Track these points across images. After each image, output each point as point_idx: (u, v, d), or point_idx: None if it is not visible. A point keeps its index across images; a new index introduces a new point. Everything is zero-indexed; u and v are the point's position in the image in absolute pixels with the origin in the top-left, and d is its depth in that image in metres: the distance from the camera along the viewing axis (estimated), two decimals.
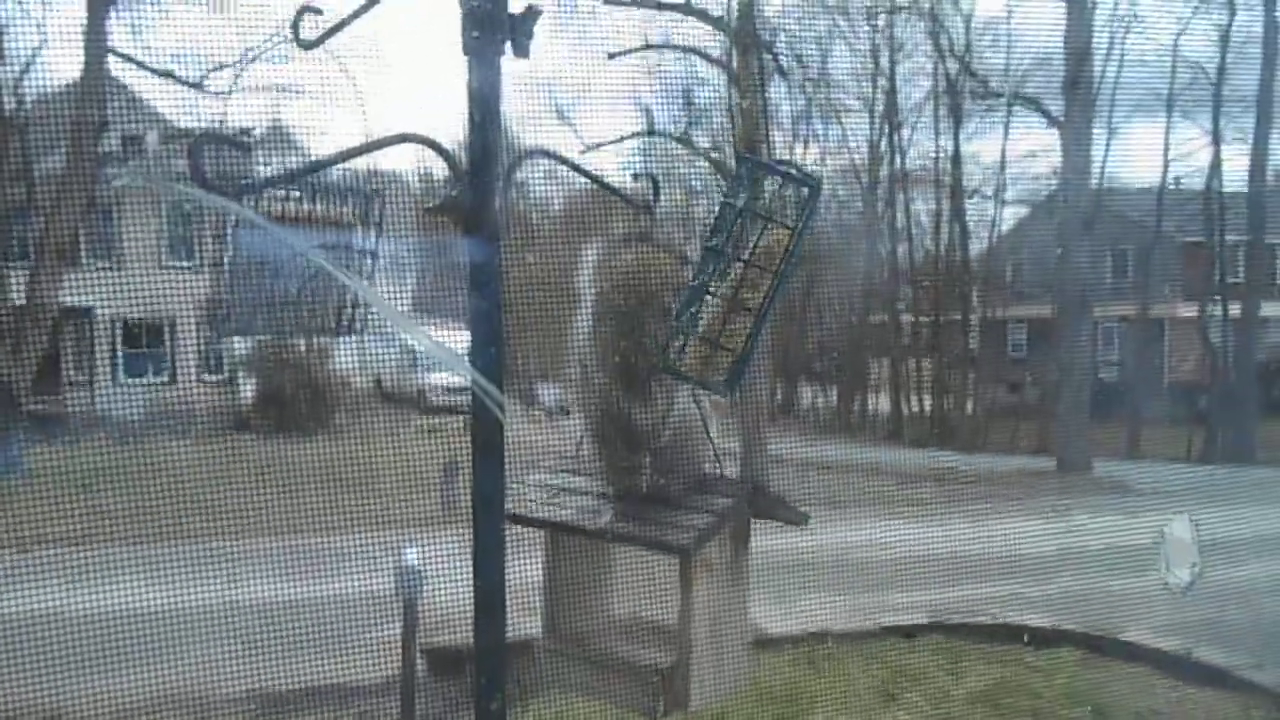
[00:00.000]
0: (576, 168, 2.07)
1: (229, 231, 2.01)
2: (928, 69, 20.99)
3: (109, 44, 14.39)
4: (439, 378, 21.82)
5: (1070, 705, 5.63)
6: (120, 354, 18.53)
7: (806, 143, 21.74)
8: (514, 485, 1.96)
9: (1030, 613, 7.27)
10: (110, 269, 15.95)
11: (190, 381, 18.71)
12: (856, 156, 21.99)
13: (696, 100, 16.28)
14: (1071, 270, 18.09)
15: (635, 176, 2.24)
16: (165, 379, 18.68)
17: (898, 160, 21.99)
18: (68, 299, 15.32)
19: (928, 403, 22.64)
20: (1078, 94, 17.91)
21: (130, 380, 18.52)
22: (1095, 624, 6.76)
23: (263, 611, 7.05)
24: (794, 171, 1.96)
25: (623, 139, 14.49)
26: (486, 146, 1.71)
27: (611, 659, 1.80)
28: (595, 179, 2.10)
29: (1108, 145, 19.29)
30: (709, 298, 1.94)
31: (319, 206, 2.05)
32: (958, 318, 22.59)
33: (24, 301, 13.84)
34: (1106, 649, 6.39)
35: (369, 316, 2.14)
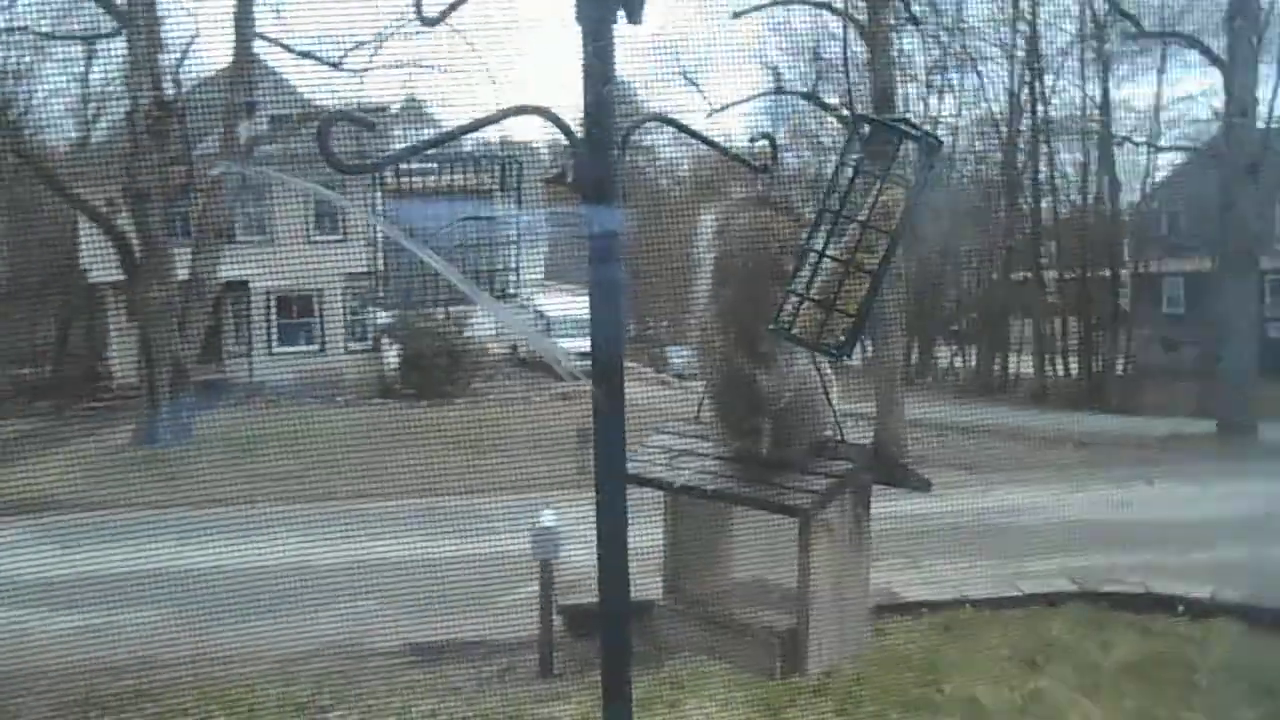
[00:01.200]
0: (691, 131, 2.03)
1: (378, 207, 2.12)
2: (1073, 10, 19.84)
3: (256, 29, 15.05)
4: (571, 344, 22.17)
5: (1229, 680, 5.35)
6: (274, 325, 19.54)
7: (942, 94, 20.94)
8: (637, 448, 2.01)
9: (1184, 582, 6.92)
10: (264, 243, 16.82)
11: (338, 350, 19.57)
12: (996, 106, 21.03)
13: (825, 55, 15.86)
14: (1235, 219, 16.90)
15: (753, 139, 2.20)
16: (316, 348, 19.60)
17: (1040, 109, 20.91)
18: (226, 273, 16.20)
19: (1074, 364, 21.65)
20: (1242, 28, 16.63)
21: (284, 349, 19.54)
22: (1256, 595, 6.39)
23: (408, 569, 7.36)
24: (913, 129, 1.89)
25: (749, 99, 14.27)
26: (600, 114, 1.70)
27: (730, 621, 1.82)
28: (710, 142, 2.05)
29: (1277, 84, 17.87)
30: (824, 260, 1.89)
31: (457, 178, 2.14)
32: (1107, 273, 21.46)
33: (188, 277, 14.72)
34: (1269, 621, 6.02)
35: (516, 283, 2.22)
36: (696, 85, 13.93)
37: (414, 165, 2.10)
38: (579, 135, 1.75)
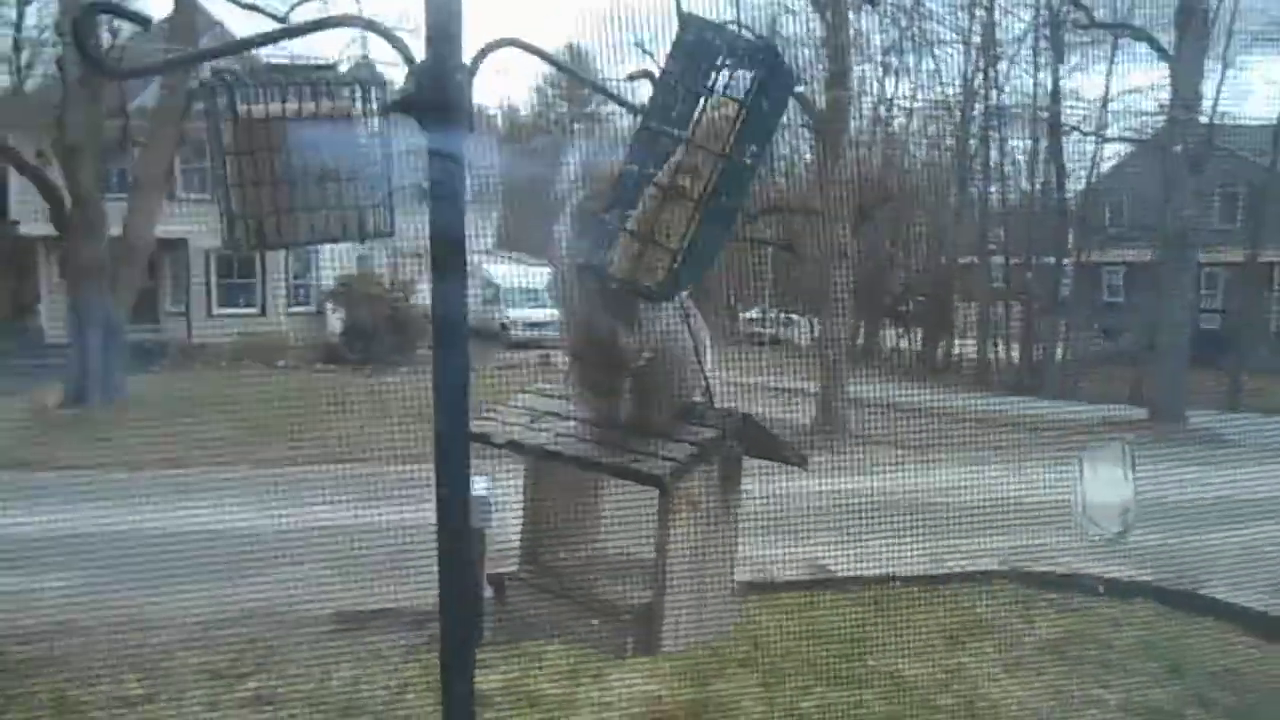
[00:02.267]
0: (552, 60, 1.84)
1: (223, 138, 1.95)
2: None
3: None
4: (520, 313, 21.98)
5: (1143, 659, 5.48)
6: (214, 285, 19.12)
7: (898, 76, 21.01)
8: (500, 409, 1.90)
9: (1107, 564, 7.08)
10: (205, 200, 16.43)
11: (279, 314, 19.23)
12: (950, 90, 21.18)
13: (781, 31, 15.79)
14: (1175, 211, 17.23)
15: (631, 76, 2.04)
16: (256, 310, 19.23)
17: (993, 95, 21.09)
18: (163, 230, 15.78)
19: (1016, 348, 22.00)
20: (1191, 24, 16.88)
21: (223, 311, 19.13)
22: (1174, 578, 6.55)
23: (340, 535, 7.25)
24: (746, 34, 1.66)
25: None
26: (443, 35, 1.57)
27: (583, 595, 1.73)
28: (570, 71, 1.85)
29: (1221, 79, 18.20)
30: (647, 188, 1.63)
31: (315, 103, 1.96)
32: (1051, 260, 21.79)
33: (121, 233, 14.31)
34: (1184, 604, 6.18)
35: (390, 221, 2.05)
36: (652, 55, 13.77)
37: (265, 91, 1.96)
38: (419, 59, 1.59)
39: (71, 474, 9.61)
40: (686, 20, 1.65)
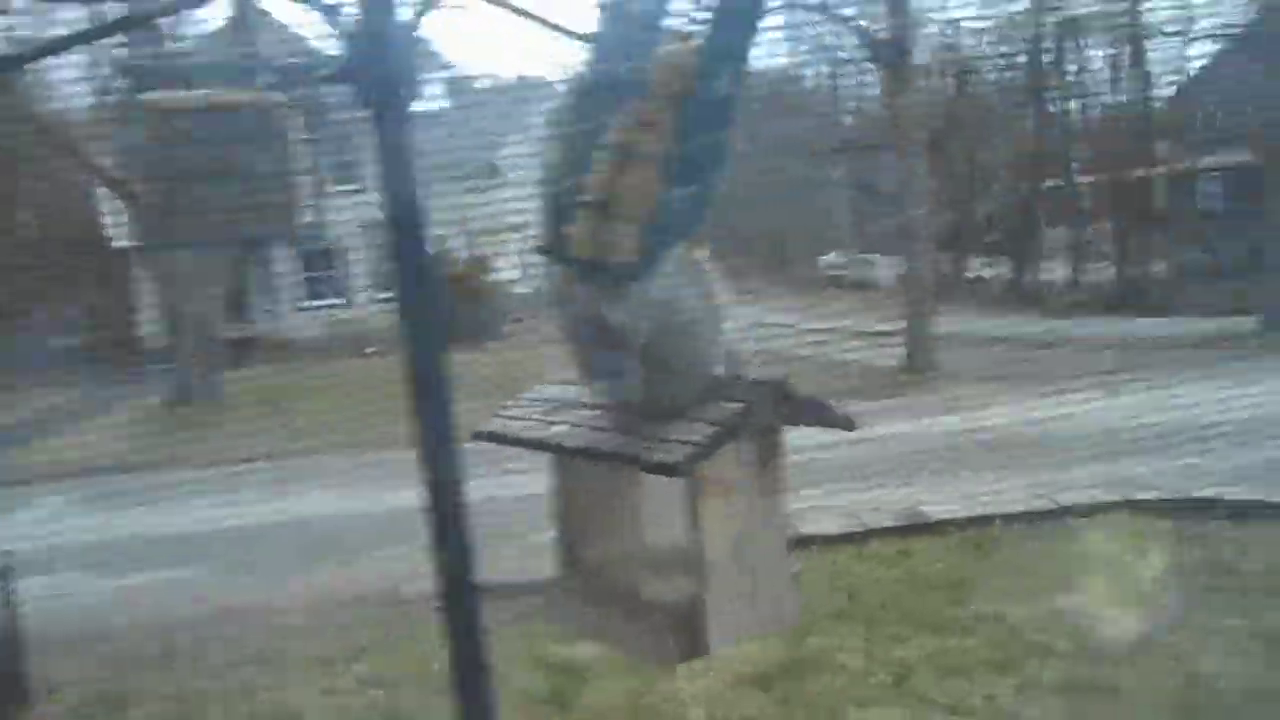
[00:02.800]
0: (515, 8, 1.57)
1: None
2: None
3: None
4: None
5: (1270, 582, 5.21)
6: (300, 280, 19.56)
7: None
8: (517, 402, 1.75)
9: (1224, 486, 6.75)
10: (287, 200, 16.77)
11: (364, 302, 19.58)
12: (1019, 5, 20.26)
13: None
14: (1275, 110, 16.24)
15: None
16: (342, 301, 19.62)
17: (1063, 5, 20.10)
18: (246, 231, 16.16)
19: (1110, 269, 21.17)
20: None
21: (311, 304, 19.59)
22: None
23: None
24: None
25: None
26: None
27: (621, 598, 1.60)
28: (523, 12, 1.56)
29: None
30: (597, 149, 1.42)
31: (235, 95, 1.84)
32: (1141, 174, 20.82)
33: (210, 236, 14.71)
34: None
35: (320, 224, 1.94)
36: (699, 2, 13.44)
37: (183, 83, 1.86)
38: (349, 25, 1.42)
39: (178, 473, 9.97)
40: None
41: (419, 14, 1.43)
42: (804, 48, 20.01)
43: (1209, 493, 6.57)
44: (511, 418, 1.65)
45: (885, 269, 21.46)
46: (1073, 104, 21.83)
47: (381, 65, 1.37)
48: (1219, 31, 19.64)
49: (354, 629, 5.60)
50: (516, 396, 1.73)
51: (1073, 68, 21.20)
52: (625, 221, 1.39)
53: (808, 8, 15.69)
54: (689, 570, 1.38)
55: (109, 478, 10.04)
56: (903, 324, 14.57)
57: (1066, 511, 6.45)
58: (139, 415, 14.03)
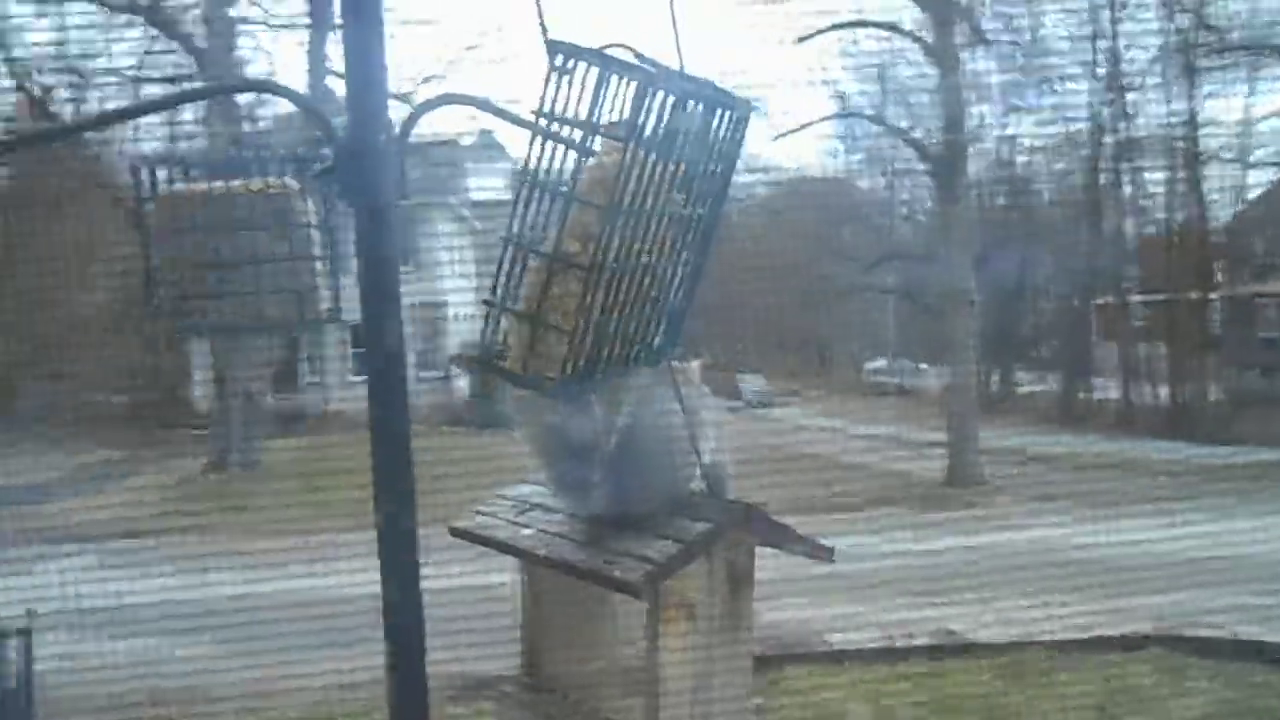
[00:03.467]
0: (501, 113, 1.53)
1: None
2: (1156, 25, 19.14)
3: (327, 66, 15.43)
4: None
5: None
6: (348, 354, 19.84)
7: (1019, 114, 20.37)
8: (493, 500, 1.72)
9: (1271, 626, 6.44)
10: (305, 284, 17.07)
11: (410, 379, 19.77)
12: (1076, 125, 20.38)
13: (893, 77, 15.58)
14: None
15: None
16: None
17: (1123, 126, 20.19)
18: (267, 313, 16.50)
19: (1163, 390, 20.73)
20: None
21: (358, 379, 19.81)
22: None
23: (468, 599, 7.26)
24: (630, 58, 1.33)
25: (811, 123, 14.07)
26: (364, 98, 1.46)
27: (571, 711, 1.53)
28: (514, 118, 1.54)
29: None
30: (531, 256, 1.38)
31: (246, 181, 1.89)
32: (1196, 296, 20.53)
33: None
34: None
35: (334, 309, 1.97)
36: (760, 110, 13.78)
37: (193, 170, 1.91)
38: (335, 126, 1.46)
39: (206, 538, 10.00)
40: (552, 47, 1.33)
41: (410, 121, 1.46)
42: (858, 156, 20.26)
43: (1255, 634, 6.28)
44: (487, 515, 1.62)
45: (932, 378, 21.25)
46: (1129, 223, 21.72)
47: (362, 169, 1.40)
48: (1276, 161, 19.59)
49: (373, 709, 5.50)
50: (494, 494, 1.70)
51: (1129, 188, 21.17)
52: (558, 334, 1.33)
53: (864, 118, 15.96)
54: (642, 693, 1.31)
55: (136, 540, 10.10)
56: (947, 435, 14.36)
57: (1105, 643, 6.21)
58: (175, 478, 14.18)
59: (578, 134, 1.33)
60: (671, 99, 1.36)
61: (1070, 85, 19.81)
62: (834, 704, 5.39)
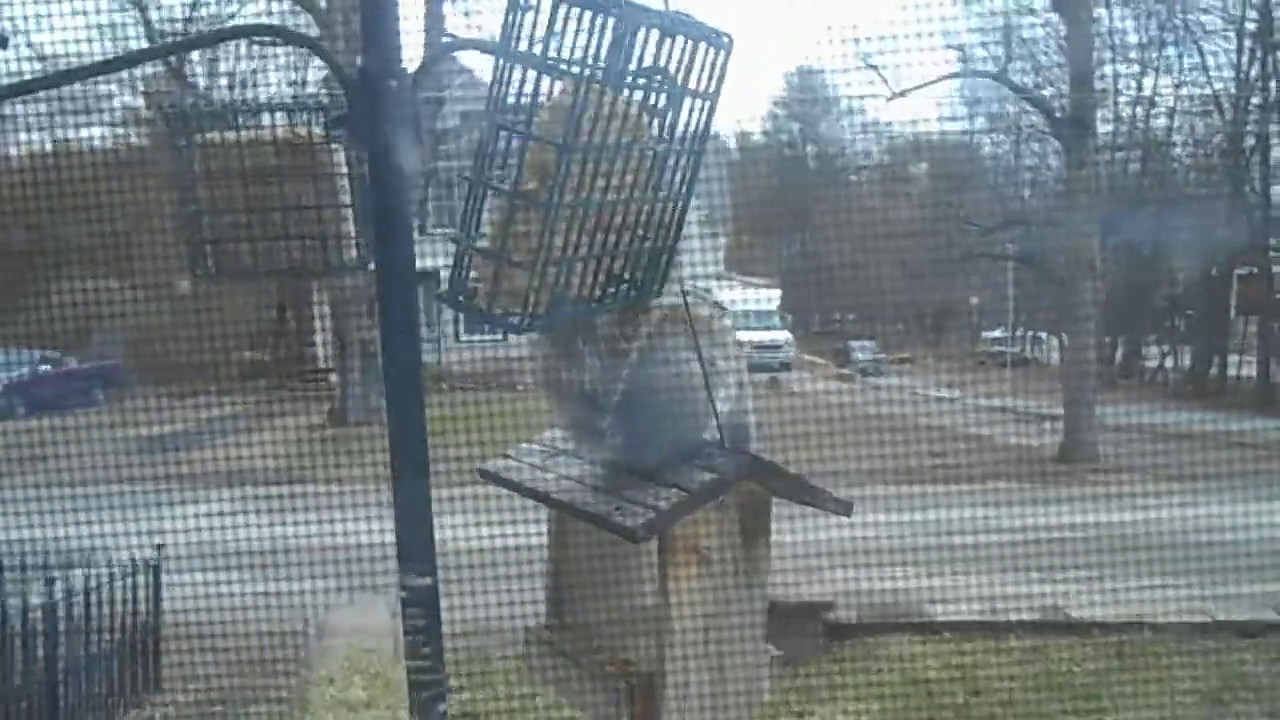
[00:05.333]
0: (518, 58, 1.50)
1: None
2: None
3: (445, 28, 15.68)
4: (750, 336, 21.97)
5: None
6: (460, 315, 20.33)
7: (1157, 72, 19.29)
8: (522, 445, 1.74)
9: None
10: (447, 236, 17.50)
11: (519, 339, 20.14)
12: (1219, 85, 19.17)
13: (1018, 32, 14.92)
14: None
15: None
16: (498, 337, 20.26)
17: (1272, 85, 18.87)
18: (418, 264, 16.96)
19: None
20: None
21: (468, 338, 20.31)
22: None
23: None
24: None
25: (931, 82, 13.61)
26: (379, 41, 1.40)
27: (586, 660, 1.55)
28: (528, 63, 1.44)
29: None
30: (493, 193, 1.37)
31: (266, 131, 1.92)
32: None
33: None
34: None
35: (356, 256, 1.99)
36: (877, 69, 13.41)
37: (223, 119, 1.92)
38: (350, 72, 1.43)
39: (326, 487, 10.44)
40: None
41: (423, 66, 1.46)
42: (980, 117, 19.53)
43: None
44: (514, 460, 1.66)
45: (1053, 349, 20.49)
46: (1275, 188, 20.37)
47: (374, 112, 1.40)
48: None
49: (462, 661, 5.69)
50: (528, 438, 1.74)
51: (1277, 151, 19.82)
52: (523, 271, 1.33)
53: (987, 75, 15.35)
54: (654, 639, 1.34)
55: (260, 488, 10.63)
56: (1064, 409, 13.86)
57: (1224, 628, 5.93)
58: (298, 431, 14.84)
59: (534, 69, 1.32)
60: (644, 32, 1.34)
61: (1215, 42, 18.65)
62: (928, 674, 5.32)
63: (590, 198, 1.36)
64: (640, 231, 1.44)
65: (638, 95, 1.40)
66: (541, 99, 1.34)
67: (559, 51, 1.33)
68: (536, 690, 5.19)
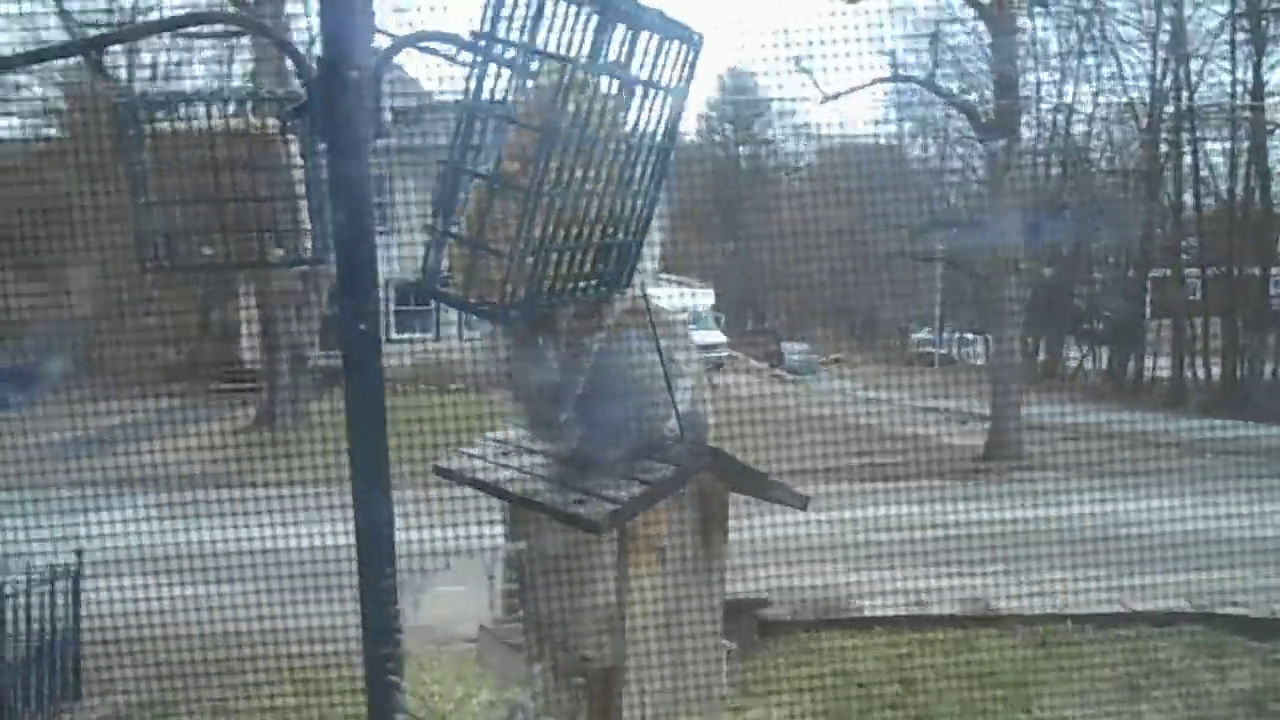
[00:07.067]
0: (482, 50, 1.48)
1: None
2: None
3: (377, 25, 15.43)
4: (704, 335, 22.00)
5: None
6: (392, 312, 20.01)
7: (1077, 80, 19.89)
8: (476, 441, 1.74)
9: None
10: (383, 232, 17.21)
11: (453, 338, 19.93)
12: (1136, 93, 19.84)
13: (946, 40, 15.25)
14: None
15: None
16: (431, 335, 20.01)
17: (1185, 95, 19.59)
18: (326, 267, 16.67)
19: (1217, 367, 20.29)
20: None
21: (400, 336, 20.04)
22: None
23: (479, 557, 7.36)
24: None
25: (861, 86, 13.84)
26: (339, 35, 1.45)
27: (553, 651, 1.56)
28: (488, 61, 1.44)
29: None
30: (472, 179, 1.38)
31: (225, 121, 1.90)
32: (1256, 271, 20.00)
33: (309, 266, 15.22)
34: None
35: (312, 247, 1.97)
36: (809, 72, 13.58)
37: (178, 109, 1.90)
38: (310, 63, 1.43)
39: (250, 491, 10.20)
40: None
41: (384, 57, 1.44)
42: (909, 121, 19.93)
43: None
44: (470, 456, 1.65)
45: (977, 349, 20.97)
46: (1187, 195, 21.16)
47: (334, 103, 1.38)
48: None
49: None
50: (481, 435, 1.73)
51: (1189, 158, 20.58)
52: (500, 259, 1.32)
53: (916, 81, 15.65)
54: (613, 633, 1.34)
55: (183, 493, 10.35)
56: (989, 407, 14.20)
57: (1141, 618, 6.15)
58: (222, 433, 14.49)
59: (516, 55, 1.32)
60: (621, 27, 1.35)
61: (1131, 52, 19.28)
62: (859, 667, 5.42)
63: (569, 187, 1.36)
64: (611, 227, 1.43)
65: (614, 88, 1.39)
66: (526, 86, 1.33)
67: (543, 44, 1.32)
68: (479, 688, 5.17)
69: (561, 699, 1.48)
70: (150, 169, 1.93)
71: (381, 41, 1.48)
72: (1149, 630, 5.88)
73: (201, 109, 1.96)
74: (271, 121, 1.92)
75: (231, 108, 1.97)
